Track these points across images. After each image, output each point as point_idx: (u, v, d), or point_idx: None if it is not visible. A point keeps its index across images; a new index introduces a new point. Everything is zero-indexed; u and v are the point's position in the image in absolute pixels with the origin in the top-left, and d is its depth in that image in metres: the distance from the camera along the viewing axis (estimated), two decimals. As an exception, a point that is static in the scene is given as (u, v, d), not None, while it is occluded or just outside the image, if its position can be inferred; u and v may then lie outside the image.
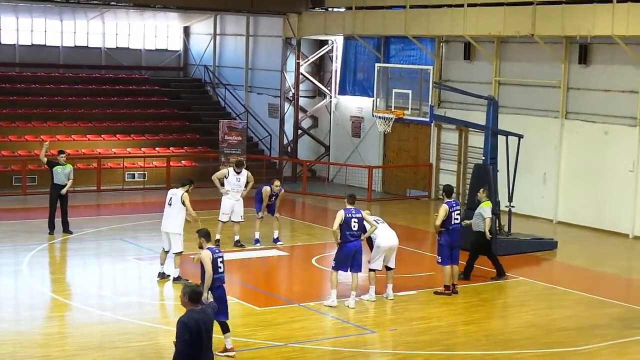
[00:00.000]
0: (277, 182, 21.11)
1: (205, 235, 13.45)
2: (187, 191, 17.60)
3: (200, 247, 13.43)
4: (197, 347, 9.51)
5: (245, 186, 20.87)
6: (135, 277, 18.97)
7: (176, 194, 17.60)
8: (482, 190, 19.03)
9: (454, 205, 17.55)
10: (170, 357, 13.61)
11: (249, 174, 21.12)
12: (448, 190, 17.97)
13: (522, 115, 26.48)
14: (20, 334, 14.40)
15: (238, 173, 20.79)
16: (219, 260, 13.22)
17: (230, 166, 22.36)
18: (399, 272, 17.64)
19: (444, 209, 17.36)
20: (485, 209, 18.57)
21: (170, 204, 17.63)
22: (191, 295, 9.60)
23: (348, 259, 16.20)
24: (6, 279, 18.17)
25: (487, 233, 18.42)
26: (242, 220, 20.95)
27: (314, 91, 34.25)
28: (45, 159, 22.07)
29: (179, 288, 17.16)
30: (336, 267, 16.32)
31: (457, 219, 17.47)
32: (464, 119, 24.70)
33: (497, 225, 21.28)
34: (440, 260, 17.52)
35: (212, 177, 20.95)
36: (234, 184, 20.72)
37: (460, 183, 28.56)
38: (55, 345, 13.83)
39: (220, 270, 13.21)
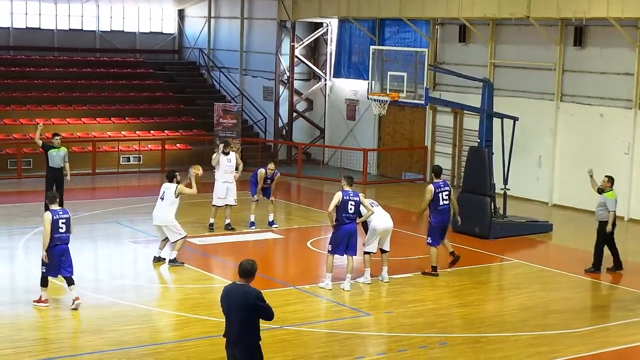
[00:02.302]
0: (271, 165, 21.12)
1: (49, 198, 14.92)
2: (178, 182, 17.70)
3: (47, 209, 14.88)
4: (225, 314, 9.86)
5: (236, 169, 20.93)
6: (130, 260, 18.98)
7: (170, 188, 17.69)
8: (606, 178, 18.32)
9: (442, 185, 17.60)
10: (165, 340, 13.77)
11: (238, 156, 21.20)
12: (437, 171, 18.08)
13: (517, 97, 26.45)
14: (17, 317, 14.41)
15: (227, 154, 20.84)
16: (61, 221, 14.52)
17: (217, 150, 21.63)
18: (394, 255, 17.67)
19: (429, 190, 17.45)
20: (609, 200, 17.96)
21: (162, 198, 17.72)
22: (240, 271, 9.88)
23: (343, 241, 16.21)
24: (2, 262, 18.14)
25: (610, 226, 17.95)
26: (236, 204, 21.00)
27: (308, 74, 34.18)
28: (41, 142, 22.03)
29: (174, 271, 17.33)
30: (333, 251, 16.33)
31: (445, 199, 17.51)
32: (459, 102, 24.66)
33: (492, 207, 21.32)
34: (430, 241, 17.59)
35: (212, 163, 20.89)
36: (226, 165, 20.77)
37: (455, 166, 28.59)
38: (52, 328, 13.86)
39: (62, 230, 14.54)
